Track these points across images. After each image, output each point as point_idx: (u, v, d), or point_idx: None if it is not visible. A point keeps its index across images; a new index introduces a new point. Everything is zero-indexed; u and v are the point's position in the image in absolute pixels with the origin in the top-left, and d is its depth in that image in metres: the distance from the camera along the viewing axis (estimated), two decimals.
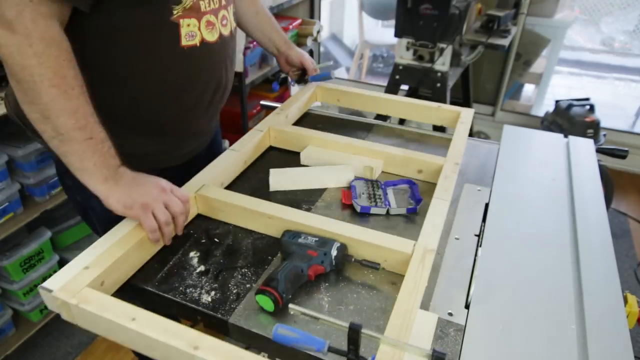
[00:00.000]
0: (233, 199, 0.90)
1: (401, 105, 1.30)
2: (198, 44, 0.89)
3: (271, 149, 1.18)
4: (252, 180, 1.06)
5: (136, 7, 0.80)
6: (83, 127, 0.75)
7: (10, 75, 0.73)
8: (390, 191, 1.02)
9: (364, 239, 0.80)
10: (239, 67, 2.19)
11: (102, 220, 0.97)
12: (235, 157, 1.05)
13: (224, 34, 0.95)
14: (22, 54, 0.69)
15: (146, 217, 0.78)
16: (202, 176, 0.96)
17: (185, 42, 0.87)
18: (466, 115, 1.23)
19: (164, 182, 0.83)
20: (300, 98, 1.30)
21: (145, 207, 0.78)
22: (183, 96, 0.93)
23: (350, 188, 1.00)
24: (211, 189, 0.93)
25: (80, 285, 0.70)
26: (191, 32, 0.87)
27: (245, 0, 1.20)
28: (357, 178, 1.03)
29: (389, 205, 0.95)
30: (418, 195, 0.98)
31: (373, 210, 0.94)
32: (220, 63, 0.96)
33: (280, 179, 1.03)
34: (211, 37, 0.91)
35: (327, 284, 0.79)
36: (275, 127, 1.16)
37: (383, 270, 0.82)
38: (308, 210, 0.97)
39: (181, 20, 0.85)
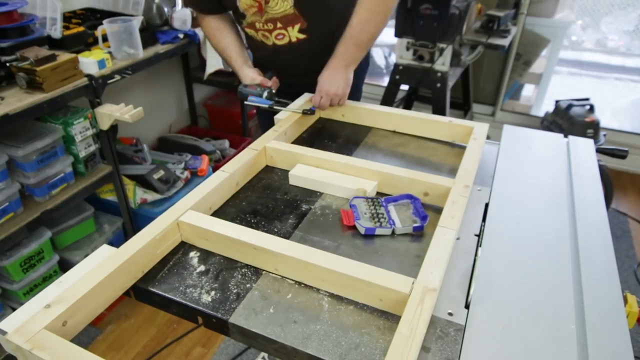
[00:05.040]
0: (218, 227, 0.83)
1: (409, 120, 1.24)
2: (259, 42, 1.38)
3: (267, 168, 1.12)
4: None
5: (235, 16, 1.39)
6: (228, 57, 1.41)
7: None
8: (392, 208, 0.96)
9: (356, 275, 0.72)
10: None
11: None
12: (226, 178, 0.97)
13: (277, 43, 1.35)
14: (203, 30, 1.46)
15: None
16: (188, 200, 0.89)
17: (253, 38, 1.39)
18: (479, 130, 1.15)
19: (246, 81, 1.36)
20: (298, 114, 1.24)
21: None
22: (264, 65, 1.44)
23: (350, 207, 0.94)
24: (195, 216, 0.86)
25: (38, 327, 0.64)
26: (253, 35, 1.37)
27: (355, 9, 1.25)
28: (356, 197, 0.97)
29: (394, 224, 0.90)
30: (422, 211, 0.93)
31: (378, 231, 0.89)
32: (274, 57, 1.40)
33: (301, 173, 1.02)
34: (266, 41, 1.36)
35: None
36: (271, 145, 1.09)
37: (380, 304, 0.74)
38: (308, 210, 0.97)
39: (246, 29, 1.37)
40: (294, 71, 1.42)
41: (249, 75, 1.35)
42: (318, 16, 1.31)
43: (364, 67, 1.58)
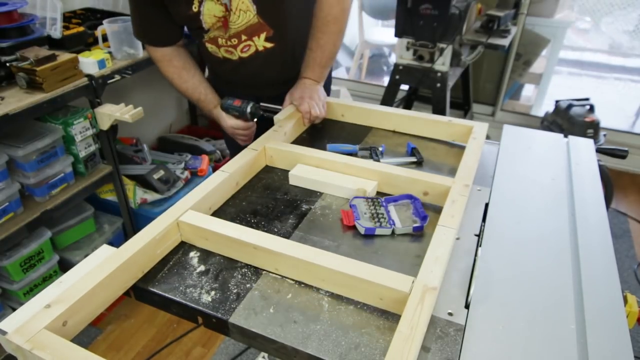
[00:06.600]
0: (218, 227, 0.83)
1: (409, 120, 1.24)
2: (221, 58, 1.34)
3: (267, 168, 1.12)
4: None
5: (192, 31, 1.31)
6: (197, 98, 1.37)
7: None
8: (392, 208, 0.96)
9: (356, 274, 0.72)
10: None
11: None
12: (226, 178, 0.97)
13: (243, 56, 1.31)
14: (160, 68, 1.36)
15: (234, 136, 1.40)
16: (188, 200, 0.89)
17: (213, 53, 1.34)
18: (479, 130, 1.15)
19: (225, 127, 1.37)
20: (299, 114, 1.24)
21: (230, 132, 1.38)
22: (226, 79, 1.43)
23: (350, 207, 0.94)
24: (195, 216, 0.86)
25: (38, 327, 0.64)
26: (215, 51, 1.32)
27: (312, 34, 1.28)
28: (356, 197, 0.97)
29: (394, 224, 0.90)
30: (422, 211, 0.93)
31: (378, 231, 0.89)
32: (242, 70, 1.35)
33: (301, 173, 1.02)
34: (230, 56, 1.32)
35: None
36: (271, 145, 1.09)
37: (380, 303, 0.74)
38: (308, 210, 0.97)
39: (207, 44, 1.31)
40: (260, 83, 1.38)
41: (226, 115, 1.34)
42: (283, 22, 1.27)
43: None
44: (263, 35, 1.27)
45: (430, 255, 0.77)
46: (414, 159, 1.12)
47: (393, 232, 0.90)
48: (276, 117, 1.23)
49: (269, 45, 1.29)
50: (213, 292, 0.77)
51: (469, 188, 0.94)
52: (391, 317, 0.73)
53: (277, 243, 0.79)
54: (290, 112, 1.25)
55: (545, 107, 2.96)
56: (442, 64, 2.29)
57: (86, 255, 1.70)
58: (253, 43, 1.28)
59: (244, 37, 1.26)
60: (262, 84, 1.39)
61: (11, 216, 1.51)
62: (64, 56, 1.51)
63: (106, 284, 0.73)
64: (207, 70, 1.56)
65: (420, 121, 1.23)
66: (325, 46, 1.28)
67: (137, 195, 1.98)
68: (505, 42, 2.43)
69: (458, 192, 0.92)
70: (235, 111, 1.30)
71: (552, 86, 3.37)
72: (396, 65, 2.41)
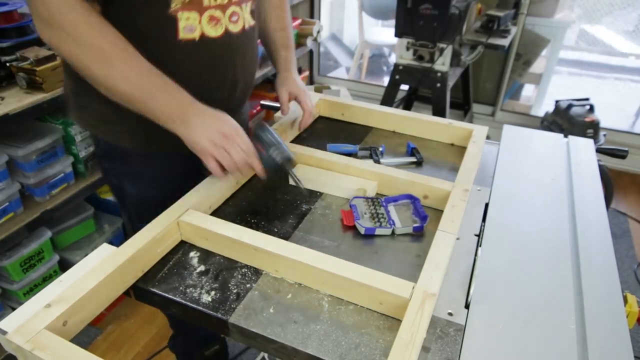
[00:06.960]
0: (218, 227, 0.83)
1: (409, 121, 1.23)
2: (197, 38, 0.89)
3: None
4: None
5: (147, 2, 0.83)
6: (155, 73, 0.83)
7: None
8: (392, 208, 0.96)
9: (357, 279, 0.72)
10: None
11: (134, 204, 1.12)
12: (225, 177, 0.95)
13: (231, 30, 0.94)
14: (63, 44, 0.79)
15: None
16: (188, 199, 0.89)
17: (183, 35, 0.87)
18: (479, 133, 1.15)
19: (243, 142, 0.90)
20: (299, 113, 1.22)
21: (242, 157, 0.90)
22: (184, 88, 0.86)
23: (350, 207, 0.94)
24: (195, 215, 0.86)
25: (39, 327, 0.64)
26: (190, 26, 0.87)
27: (271, 13, 1.13)
28: (356, 197, 0.97)
29: (394, 224, 0.90)
30: (422, 211, 0.93)
31: (378, 231, 0.89)
32: (224, 59, 0.96)
33: (301, 173, 1.02)
34: (214, 32, 0.91)
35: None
36: None
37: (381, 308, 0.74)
38: (308, 210, 0.97)
39: (179, 13, 0.85)
40: (220, 94, 0.99)
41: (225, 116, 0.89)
42: None
43: None
44: (249, 5, 0.97)
45: (430, 260, 0.77)
46: (414, 159, 1.12)
47: (393, 232, 0.90)
48: (277, 115, 1.23)
49: (252, 22, 1.00)
50: (213, 292, 0.77)
51: (469, 193, 0.94)
52: (391, 318, 0.73)
53: (277, 245, 0.79)
54: (293, 109, 1.24)
55: (545, 107, 2.96)
56: (442, 64, 2.29)
57: (86, 256, 1.68)
58: (241, 12, 0.95)
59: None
60: (221, 96, 0.99)
61: (11, 216, 1.51)
62: None
63: (106, 283, 0.73)
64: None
65: (420, 123, 1.23)
66: (289, 25, 1.16)
67: None
68: (505, 42, 2.43)
69: (458, 197, 0.92)
70: (274, 149, 0.93)
71: (552, 86, 3.37)
72: (396, 65, 2.41)
